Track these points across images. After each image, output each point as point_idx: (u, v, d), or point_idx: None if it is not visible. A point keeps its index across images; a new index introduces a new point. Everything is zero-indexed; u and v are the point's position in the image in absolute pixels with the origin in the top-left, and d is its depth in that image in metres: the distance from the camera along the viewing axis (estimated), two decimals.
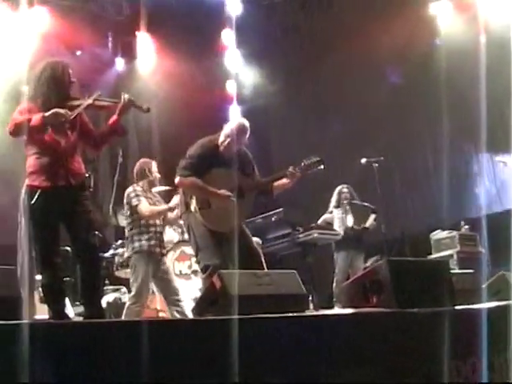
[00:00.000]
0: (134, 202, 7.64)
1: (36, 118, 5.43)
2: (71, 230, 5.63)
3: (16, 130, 5.52)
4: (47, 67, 5.72)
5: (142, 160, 8.25)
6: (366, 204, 10.39)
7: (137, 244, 7.63)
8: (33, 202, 5.50)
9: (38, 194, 5.48)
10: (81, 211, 5.61)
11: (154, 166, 8.05)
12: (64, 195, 5.52)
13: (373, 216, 10.30)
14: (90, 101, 5.70)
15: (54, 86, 5.61)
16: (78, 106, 5.66)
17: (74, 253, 5.94)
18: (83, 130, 5.82)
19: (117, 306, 7.91)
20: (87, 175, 6.35)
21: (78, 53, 11.55)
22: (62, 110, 5.49)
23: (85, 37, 11.62)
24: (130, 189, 7.83)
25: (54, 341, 3.47)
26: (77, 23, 11.36)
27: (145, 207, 7.64)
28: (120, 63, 12.50)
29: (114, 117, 5.81)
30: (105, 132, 5.96)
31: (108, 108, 5.87)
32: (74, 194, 5.60)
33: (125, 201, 7.81)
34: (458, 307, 5.19)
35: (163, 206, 7.87)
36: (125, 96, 5.80)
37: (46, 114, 5.44)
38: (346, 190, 10.59)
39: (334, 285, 10.10)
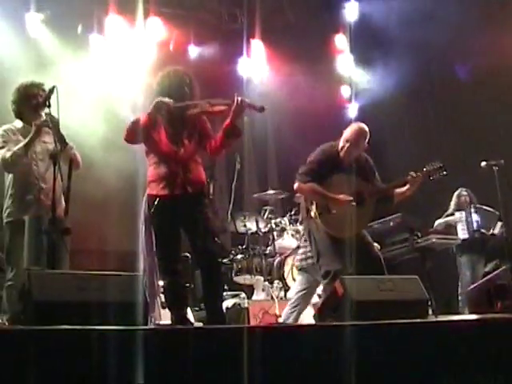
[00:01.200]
0: None
1: (143, 118, 5.61)
2: (191, 237, 5.71)
3: (129, 137, 5.67)
4: (164, 77, 5.83)
5: None
6: (491, 209, 10.13)
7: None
8: (152, 210, 5.64)
9: (156, 202, 5.61)
10: (200, 218, 5.65)
11: None
12: (182, 203, 5.60)
13: (499, 223, 10.02)
14: (205, 106, 5.73)
15: (170, 97, 5.65)
16: (197, 114, 5.74)
17: (194, 259, 6.02)
18: (204, 134, 5.85)
19: (236, 311, 7.95)
20: (206, 182, 6.40)
21: (195, 60, 11.63)
22: (163, 99, 5.58)
23: (200, 45, 11.76)
24: None
25: (178, 346, 3.53)
26: (191, 32, 11.51)
27: None
28: (242, 70, 12.43)
29: (228, 119, 5.70)
30: (221, 136, 5.80)
31: (223, 112, 5.75)
32: (192, 201, 5.65)
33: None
34: None
35: None
36: (237, 97, 5.66)
37: (149, 110, 5.57)
38: (465, 193, 10.41)
39: (460, 290, 9.92)
